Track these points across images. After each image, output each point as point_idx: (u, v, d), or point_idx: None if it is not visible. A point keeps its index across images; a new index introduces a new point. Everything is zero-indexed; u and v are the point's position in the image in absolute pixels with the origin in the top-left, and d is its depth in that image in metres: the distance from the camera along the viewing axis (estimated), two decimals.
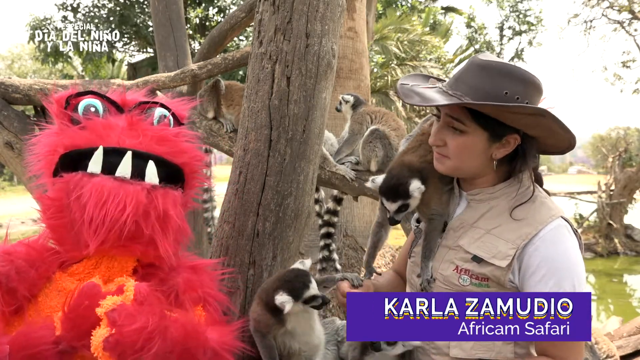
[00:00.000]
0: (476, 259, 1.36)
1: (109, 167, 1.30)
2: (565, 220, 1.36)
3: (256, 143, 1.77)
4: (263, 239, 1.76)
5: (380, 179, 1.57)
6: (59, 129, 1.37)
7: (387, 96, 13.86)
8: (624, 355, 3.55)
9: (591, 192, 17.02)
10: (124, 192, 1.27)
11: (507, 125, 1.32)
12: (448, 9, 20.73)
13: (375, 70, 14.07)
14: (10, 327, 1.26)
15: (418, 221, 1.64)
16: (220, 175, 3.62)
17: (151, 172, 1.34)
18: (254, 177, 1.77)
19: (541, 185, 1.47)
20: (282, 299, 1.42)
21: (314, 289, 1.47)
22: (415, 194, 1.49)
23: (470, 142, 1.36)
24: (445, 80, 1.48)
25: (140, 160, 1.33)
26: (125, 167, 1.30)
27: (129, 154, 1.31)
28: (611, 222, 13.54)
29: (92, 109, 1.37)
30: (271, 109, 1.75)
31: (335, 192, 2.98)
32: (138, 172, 1.32)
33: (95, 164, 1.29)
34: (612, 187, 13.82)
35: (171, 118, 1.48)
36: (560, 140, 1.35)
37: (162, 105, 1.48)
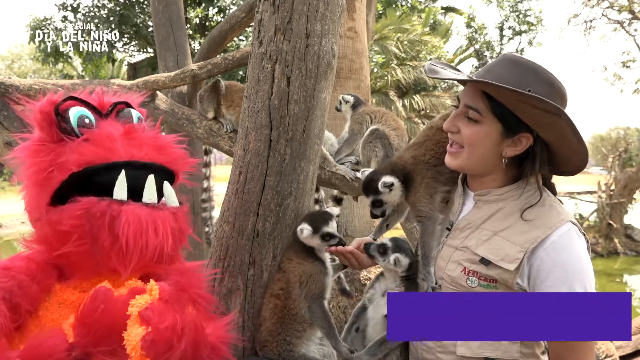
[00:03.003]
0: (484, 262, 1.36)
1: (131, 188, 1.29)
2: (574, 224, 1.36)
3: (256, 143, 1.77)
4: (263, 239, 1.76)
5: (368, 171, 1.68)
6: (57, 143, 1.30)
7: (387, 96, 13.88)
8: (623, 356, 3.55)
9: (591, 192, 17.03)
10: (160, 220, 1.28)
11: (521, 122, 1.31)
12: (448, 9, 20.73)
13: (375, 70, 14.07)
14: (11, 344, 1.23)
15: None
16: (220, 175, 3.61)
17: (171, 194, 1.36)
18: (254, 177, 1.77)
19: (554, 193, 1.46)
20: (303, 227, 1.64)
21: (332, 228, 1.66)
22: (381, 188, 1.56)
23: (484, 132, 1.36)
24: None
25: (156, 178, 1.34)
26: (151, 193, 1.30)
27: (151, 178, 1.30)
28: (611, 222, 13.54)
29: (87, 120, 1.33)
30: (271, 109, 1.75)
31: (335, 192, 2.98)
32: (145, 169, 1.33)
33: (121, 189, 1.26)
34: (612, 187, 13.82)
35: (143, 117, 1.48)
36: (572, 152, 1.33)
37: (127, 104, 1.47)
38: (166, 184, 1.36)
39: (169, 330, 1.14)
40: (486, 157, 1.39)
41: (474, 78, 1.35)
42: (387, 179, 1.57)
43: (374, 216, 1.66)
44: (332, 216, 1.70)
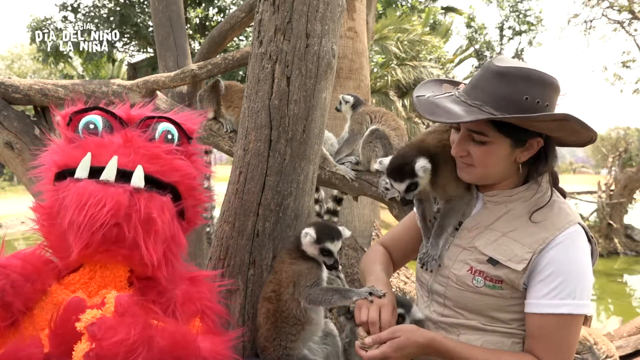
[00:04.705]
0: (492, 261, 1.36)
1: (97, 174, 1.29)
2: (582, 227, 1.36)
3: (256, 143, 1.77)
4: (263, 239, 1.76)
5: (387, 160, 1.56)
6: (55, 147, 1.40)
7: (387, 96, 13.87)
8: (623, 355, 3.54)
9: (591, 192, 17.03)
10: (104, 193, 1.25)
11: (529, 131, 1.31)
12: (448, 9, 20.73)
13: (375, 70, 14.06)
14: (4, 338, 1.25)
15: (425, 218, 1.63)
16: (220, 175, 3.61)
17: (137, 176, 1.31)
18: (254, 177, 1.77)
19: (557, 184, 1.46)
20: (308, 231, 1.61)
21: (334, 247, 1.60)
22: (420, 172, 1.46)
23: (494, 150, 1.35)
24: (458, 83, 1.46)
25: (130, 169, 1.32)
26: (109, 171, 1.29)
27: (114, 159, 1.30)
28: (611, 222, 13.54)
29: (92, 126, 1.38)
30: (271, 109, 1.75)
31: (335, 192, 2.98)
32: (126, 178, 1.31)
33: (82, 170, 1.29)
34: (612, 187, 13.82)
35: (176, 133, 1.46)
36: (581, 137, 1.34)
37: (171, 120, 1.47)
38: (138, 168, 1.32)
39: (116, 346, 1.11)
40: (503, 169, 1.39)
41: (476, 118, 1.28)
42: (424, 161, 1.47)
43: (406, 202, 1.54)
44: (341, 235, 1.64)
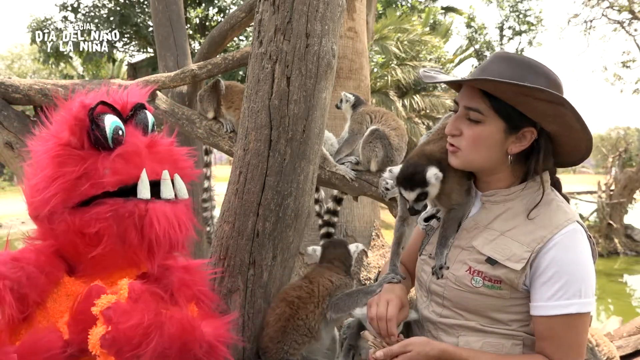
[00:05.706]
0: (490, 261, 1.35)
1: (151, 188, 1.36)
2: (581, 225, 1.35)
3: (256, 143, 1.77)
4: (263, 239, 1.76)
5: (397, 169, 1.54)
6: (86, 151, 1.31)
7: (387, 96, 13.87)
8: (623, 355, 3.54)
9: (591, 192, 17.05)
10: (181, 214, 1.38)
11: (524, 117, 1.31)
12: (448, 9, 20.73)
13: (375, 70, 14.07)
14: (17, 335, 1.25)
15: (426, 220, 1.63)
16: (220, 175, 3.61)
17: (182, 187, 1.42)
18: (254, 177, 1.77)
19: (560, 190, 1.46)
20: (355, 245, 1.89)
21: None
22: (432, 180, 1.46)
23: (487, 132, 1.35)
24: None
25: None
26: (169, 190, 1.37)
27: (166, 174, 1.37)
28: (611, 222, 13.54)
29: (120, 132, 1.34)
30: (271, 109, 1.75)
31: (335, 192, 2.98)
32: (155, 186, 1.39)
33: (145, 189, 1.32)
34: (612, 187, 13.83)
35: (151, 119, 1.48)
36: (577, 140, 1.33)
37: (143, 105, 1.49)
38: (177, 177, 1.41)
39: (132, 330, 1.16)
40: (492, 156, 1.38)
41: (466, 79, 1.35)
42: (435, 170, 1.46)
43: (414, 212, 1.55)
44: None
